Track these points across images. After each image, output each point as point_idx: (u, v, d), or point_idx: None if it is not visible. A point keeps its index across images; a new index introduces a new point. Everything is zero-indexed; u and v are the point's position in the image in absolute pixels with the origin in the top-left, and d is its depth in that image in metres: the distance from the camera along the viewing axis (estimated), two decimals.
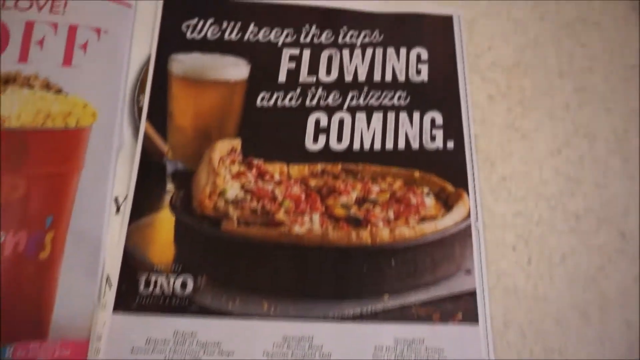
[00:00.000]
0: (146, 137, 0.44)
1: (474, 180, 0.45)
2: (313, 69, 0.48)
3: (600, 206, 0.46)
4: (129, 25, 0.47)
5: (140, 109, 0.45)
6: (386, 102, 0.48)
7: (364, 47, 0.50)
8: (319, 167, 0.46)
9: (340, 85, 0.48)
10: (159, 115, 0.45)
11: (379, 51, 0.49)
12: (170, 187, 0.44)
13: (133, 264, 0.40)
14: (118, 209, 0.42)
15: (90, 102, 0.44)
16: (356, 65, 0.49)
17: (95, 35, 0.46)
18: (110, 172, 0.43)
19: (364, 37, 0.50)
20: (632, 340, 0.42)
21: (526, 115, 0.49)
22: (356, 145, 0.46)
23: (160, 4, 0.49)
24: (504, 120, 0.48)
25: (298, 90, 0.47)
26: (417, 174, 0.45)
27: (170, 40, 0.48)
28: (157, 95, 0.46)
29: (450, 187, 0.45)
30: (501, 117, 0.48)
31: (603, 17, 0.53)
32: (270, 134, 0.46)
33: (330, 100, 0.47)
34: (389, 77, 0.48)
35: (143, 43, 0.47)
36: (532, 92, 0.50)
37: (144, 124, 0.45)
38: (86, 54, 0.45)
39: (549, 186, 0.46)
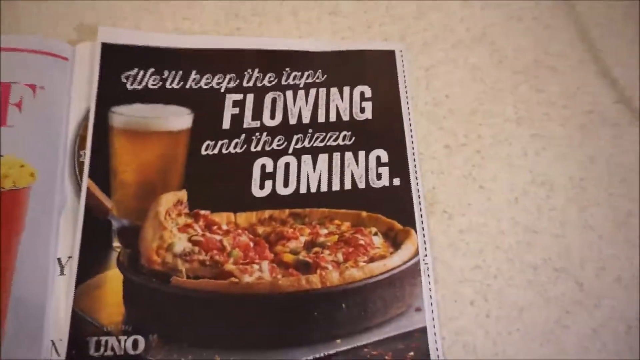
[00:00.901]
0: (89, 195, 0.44)
1: (421, 216, 0.46)
2: (257, 114, 0.48)
3: (557, 257, 0.45)
4: (66, 80, 0.47)
5: (81, 166, 0.44)
6: (331, 142, 0.48)
7: (307, 87, 0.50)
8: (266, 213, 0.46)
9: (285, 129, 0.48)
10: (102, 171, 0.44)
11: (323, 91, 0.50)
12: (116, 244, 0.43)
13: (82, 328, 0.40)
14: (62, 271, 0.41)
15: (28, 162, 0.43)
16: (300, 107, 0.49)
17: (30, 92, 0.45)
18: (52, 233, 0.42)
19: (307, 77, 0.50)
20: None
21: (484, 165, 0.49)
22: (303, 189, 0.46)
23: (98, 55, 0.48)
24: (461, 171, 0.48)
25: (243, 137, 0.47)
26: (364, 214, 0.46)
27: (110, 92, 0.47)
28: (98, 151, 0.45)
29: (398, 225, 0.45)
30: (459, 168, 0.48)
31: (559, 62, 0.54)
32: (216, 183, 0.46)
33: (275, 144, 0.47)
34: (333, 117, 0.49)
35: (82, 97, 0.46)
36: (490, 141, 0.50)
37: (86, 181, 0.44)
38: (22, 112, 0.44)
39: (507, 237, 0.46)
